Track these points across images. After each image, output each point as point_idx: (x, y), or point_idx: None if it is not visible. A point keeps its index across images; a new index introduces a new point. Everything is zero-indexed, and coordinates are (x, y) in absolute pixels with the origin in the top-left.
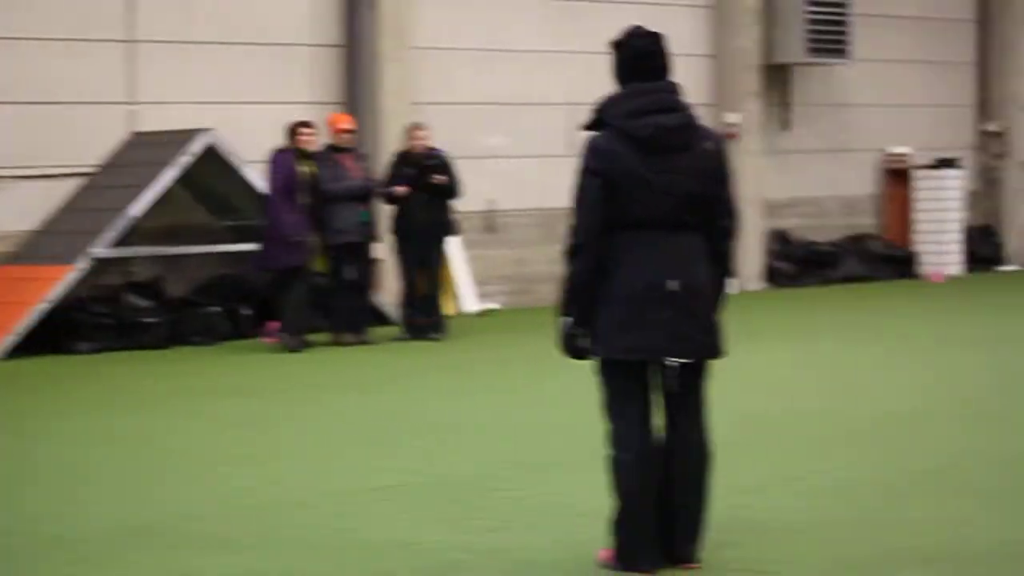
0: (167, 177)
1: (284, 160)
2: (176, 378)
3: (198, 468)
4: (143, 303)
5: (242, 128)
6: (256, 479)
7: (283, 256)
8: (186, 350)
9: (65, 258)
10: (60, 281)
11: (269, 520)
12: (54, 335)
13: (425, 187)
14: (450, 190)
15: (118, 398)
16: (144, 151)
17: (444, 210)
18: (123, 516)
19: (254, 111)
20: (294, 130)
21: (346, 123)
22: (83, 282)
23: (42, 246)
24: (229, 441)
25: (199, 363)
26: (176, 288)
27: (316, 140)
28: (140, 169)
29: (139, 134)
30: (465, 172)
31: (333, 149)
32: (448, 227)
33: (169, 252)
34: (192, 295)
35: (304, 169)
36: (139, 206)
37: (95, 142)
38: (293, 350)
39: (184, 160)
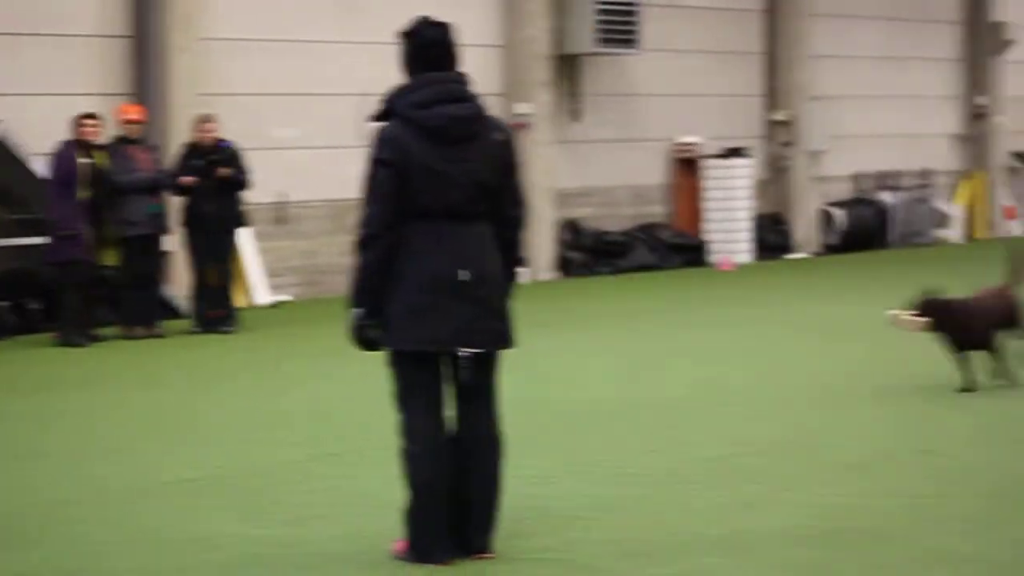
0: None
1: (64, 152)
2: None
3: None
4: None
5: (30, 120)
6: (46, 475)
7: (59, 250)
8: None
9: None
10: None
11: (60, 516)
12: None
13: (214, 179)
14: (239, 182)
15: None
16: None
17: (234, 202)
18: None
19: (42, 102)
20: (77, 122)
21: (135, 114)
22: None
23: None
24: (17, 437)
25: None
26: None
27: (100, 131)
28: None
29: None
30: (255, 163)
31: (123, 140)
32: (238, 219)
33: None
34: None
35: (88, 161)
36: None
37: None
38: (74, 345)
39: None
